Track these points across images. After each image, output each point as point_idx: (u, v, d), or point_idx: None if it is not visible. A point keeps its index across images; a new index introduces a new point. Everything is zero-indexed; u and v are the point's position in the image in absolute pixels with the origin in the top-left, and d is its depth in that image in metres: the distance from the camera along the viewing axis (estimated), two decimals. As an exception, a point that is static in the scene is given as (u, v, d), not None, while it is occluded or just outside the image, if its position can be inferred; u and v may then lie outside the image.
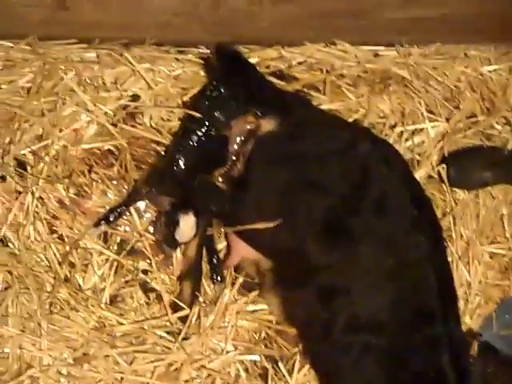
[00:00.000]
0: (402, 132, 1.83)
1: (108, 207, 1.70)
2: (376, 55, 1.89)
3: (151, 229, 1.71)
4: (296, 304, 1.54)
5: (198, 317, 1.65)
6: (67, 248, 1.65)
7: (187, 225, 1.58)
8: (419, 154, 1.84)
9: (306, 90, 1.83)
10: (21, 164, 1.67)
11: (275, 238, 1.50)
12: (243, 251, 1.62)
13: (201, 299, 1.67)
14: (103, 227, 1.67)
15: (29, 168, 1.67)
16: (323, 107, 1.81)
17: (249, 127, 1.59)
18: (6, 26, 1.60)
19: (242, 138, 1.61)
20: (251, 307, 1.71)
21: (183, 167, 1.62)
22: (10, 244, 1.63)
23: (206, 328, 1.64)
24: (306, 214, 1.47)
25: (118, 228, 1.71)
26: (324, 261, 1.44)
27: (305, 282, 1.47)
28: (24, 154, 1.67)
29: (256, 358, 1.67)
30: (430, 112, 1.86)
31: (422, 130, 1.85)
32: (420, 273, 1.42)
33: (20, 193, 1.64)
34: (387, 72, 1.87)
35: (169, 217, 1.61)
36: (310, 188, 1.48)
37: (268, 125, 1.56)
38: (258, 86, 1.69)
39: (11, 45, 1.71)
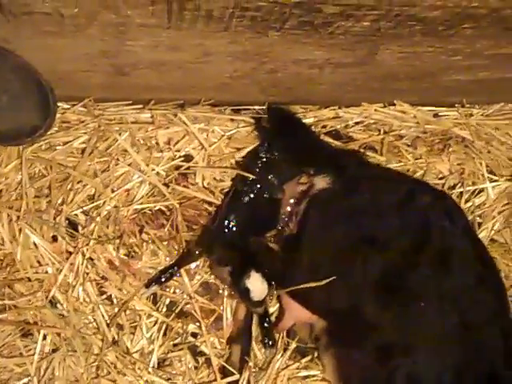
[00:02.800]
0: (461, 193, 1.78)
1: (158, 268, 1.67)
2: (436, 116, 1.85)
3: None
4: (353, 364, 1.45)
5: (248, 382, 1.60)
6: (116, 310, 1.63)
7: (256, 285, 1.53)
8: (480, 216, 1.77)
9: (362, 150, 1.79)
10: (72, 224, 1.68)
11: (331, 297, 1.44)
12: (297, 314, 1.56)
13: (251, 364, 1.61)
14: (154, 288, 1.64)
15: (80, 228, 1.67)
16: (381, 167, 1.77)
17: (302, 189, 1.55)
18: (64, 89, 1.62)
19: (295, 200, 1.58)
20: (303, 373, 1.64)
21: (234, 229, 1.59)
22: (58, 305, 1.62)
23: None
24: (363, 271, 1.40)
25: (168, 289, 1.68)
26: (381, 319, 1.37)
27: (362, 341, 1.40)
28: (76, 215, 1.67)
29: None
30: (491, 173, 1.80)
31: (482, 190, 1.79)
32: (486, 334, 1.34)
33: (70, 253, 1.63)
34: (447, 132, 1.82)
35: (236, 288, 1.57)
36: (366, 244, 1.42)
37: (321, 182, 1.53)
38: (310, 144, 1.66)
39: (68, 106, 1.74)
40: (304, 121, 1.77)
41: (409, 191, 1.48)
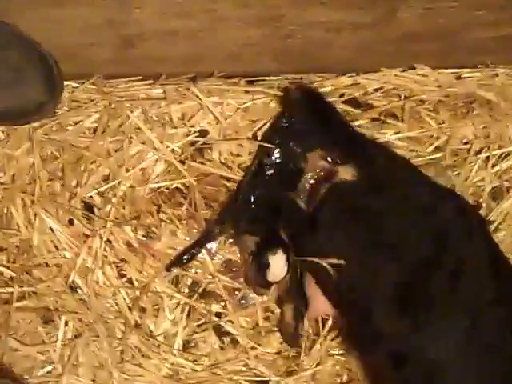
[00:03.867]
0: (487, 157, 1.71)
1: (178, 248, 1.63)
2: (458, 78, 1.78)
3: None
4: (370, 367, 1.44)
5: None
6: (137, 293, 1.59)
7: (278, 264, 1.48)
8: (507, 181, 1.72)
9: (382, 117, 1.73)
10: (88, 207, 1.63)
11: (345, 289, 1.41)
12: (321, 307, 1.53)
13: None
14: (176, 271, 1.61)
15: (96, 210, 1.62)
16: (402, 135, 1.71)
17: (323, 165, 1.49)
18: (71, 66, 1.56)
19: (315, 177, 1.51)
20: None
21: (260, 202, 1.54)
22: (78, 290, 1.58)
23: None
24: (378, 276, 1.36)
25: (189, 270, 1.64)
26: (393, 327, 1.34)
27: (374, 347, 1.37)
28: (91, 197, 1.63)
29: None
30: (519, 135, 1.73)
31: (509, 154, 1.73)
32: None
33: (88, 236, 1.59)
34: (471, 95, 1.75)
35: (257, 260, 1.51)
36: (383, 248, 1.38)
37: (346, 173, 1.46)
38: (340, 130, 1.59)
39: (76, 85, 1.69)
40: (322, 91, 1.70)
41: (432, 200, 1.43)
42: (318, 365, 1.57)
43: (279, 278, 1.50)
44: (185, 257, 1.60)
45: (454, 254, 1.36)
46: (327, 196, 1.46)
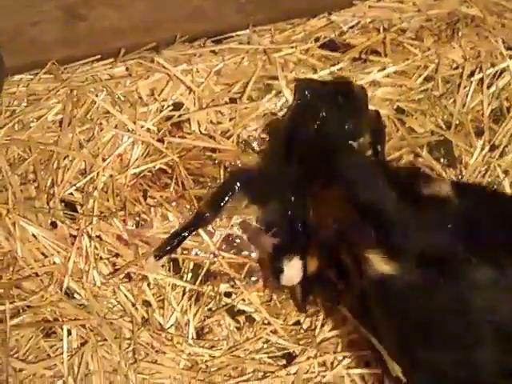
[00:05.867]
0: (481, 79, 1.62)
1: (172, 231, 1.52)
2: (438, -3, 1.67)
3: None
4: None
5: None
6: (137, 286, 1.49)
7: (292, 270, 1.40)
8: (507, 99, 1.62)
9: (364, 55, 1.62)
10: (69, 205, 1.52)
11: None
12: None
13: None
14: (165, 256, 1.50)
15: (78, 208, 1.51)
16: (387, 71, 1.61)
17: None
18: (21, 55, 1.44)
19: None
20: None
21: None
22: (75, 295, 1.48)
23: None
24: None
25: (187, 252, 1.54)
26: None
27: None
28: (71, 194, 1.52)
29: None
30: (510, 48, 1.64)
31: (504, 70, 1.63)
32: None
33: (75, 237, 1.49)
34: (453, 14, 1.65)
35: (273, 262, 1.44)
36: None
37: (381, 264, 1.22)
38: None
39: (30, 77, 1.57)
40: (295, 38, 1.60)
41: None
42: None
43: (293, 283, 1.43)
44: (174, 242, 1.50)
45: None
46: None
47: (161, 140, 1.55)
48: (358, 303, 1.30)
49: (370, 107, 1.54)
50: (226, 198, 1.48)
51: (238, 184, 1.47)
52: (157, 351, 1.47)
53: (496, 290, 1.16)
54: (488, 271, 1.15)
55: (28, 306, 1.47)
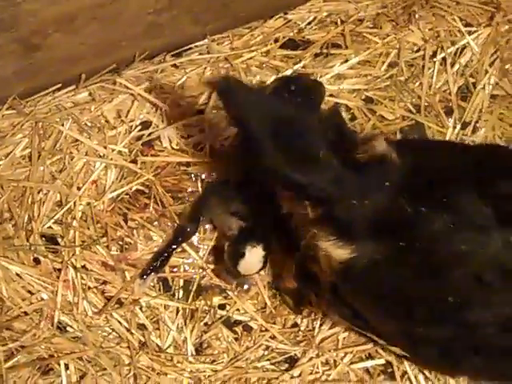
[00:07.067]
0: (443, 59, 1.63)
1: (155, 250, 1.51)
2: (390, -17, 1.68)
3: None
4: None
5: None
6: (129, 311, 1.47)
7: (253, 258, 1.38)
8: (471, 76, 1.63)
9: (325, 50, 1.63)
10: (50, 239, 1.50)
11: None
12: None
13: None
14: (151, 276, 1.48)
15: (60, 240, 1.49)
16: (350, 63, 1.62)
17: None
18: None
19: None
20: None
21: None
22: (68, 328, 1.46)
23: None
24: None
25: (176, 270, 1.52)
26: None
27: None
28: (50, 227, 1.50)
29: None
30: (468, 25, 1.65)
31: (464, 47, 1.64)
32: None
33: (59, 270, 1.47)
34: (408, -3, 1.66)
35: (235, 246, 1.41)
36: None
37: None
38: None
39: (-7, 114, 1.55)
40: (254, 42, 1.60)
41: None
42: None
43: (250, 272, 1.41)
44: (159, 260, 1.48)
45: None
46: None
47: (134, 161, 1.54)
48: (340, 303, 1.28)
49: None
50: (204, 210, 1.47)
51: (214, 195, 1.46)
52: (158, 373, 1.45)
53: (459, 233, 1.06)
54: (442, 216, 1.06)
55: (21, 346, 1.44)
